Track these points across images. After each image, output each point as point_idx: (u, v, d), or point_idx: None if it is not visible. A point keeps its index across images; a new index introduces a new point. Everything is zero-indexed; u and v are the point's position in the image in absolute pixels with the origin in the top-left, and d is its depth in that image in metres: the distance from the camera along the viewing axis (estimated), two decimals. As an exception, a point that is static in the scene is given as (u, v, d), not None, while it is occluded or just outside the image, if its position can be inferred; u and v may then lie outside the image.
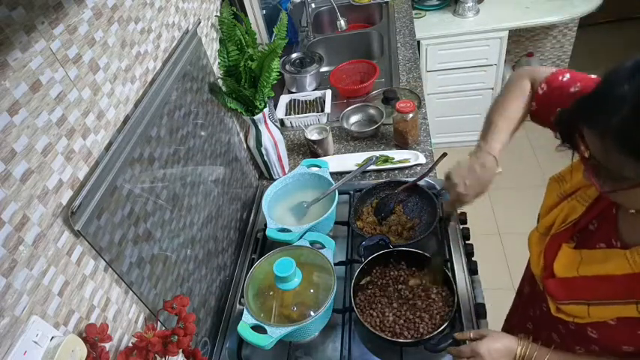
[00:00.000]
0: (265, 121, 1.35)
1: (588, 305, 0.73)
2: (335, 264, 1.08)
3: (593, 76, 0.81)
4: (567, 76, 0.83)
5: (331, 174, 1.31)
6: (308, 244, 1.11)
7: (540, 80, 0.87)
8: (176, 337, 0.76)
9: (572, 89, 0.81)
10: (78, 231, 0.66)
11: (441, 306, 1.01)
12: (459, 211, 1.24)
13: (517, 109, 0.90)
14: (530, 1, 2.42)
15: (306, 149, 1.59)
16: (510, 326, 1.17)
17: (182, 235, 0.99)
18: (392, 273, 1.11)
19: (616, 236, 0.73)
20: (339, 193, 1.26)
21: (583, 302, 0.74)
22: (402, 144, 1.49)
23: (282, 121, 1.71)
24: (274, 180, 1.33)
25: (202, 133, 1.13)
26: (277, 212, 1.28)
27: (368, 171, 1.44)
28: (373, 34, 2.20)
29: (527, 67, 0.94)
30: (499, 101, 0.93)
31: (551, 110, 0.82)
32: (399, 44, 2.08)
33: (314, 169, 1.32)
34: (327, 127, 1.50)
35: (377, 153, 1.48)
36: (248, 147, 1.45)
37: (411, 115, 1.40)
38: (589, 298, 0.73)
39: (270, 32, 1.73)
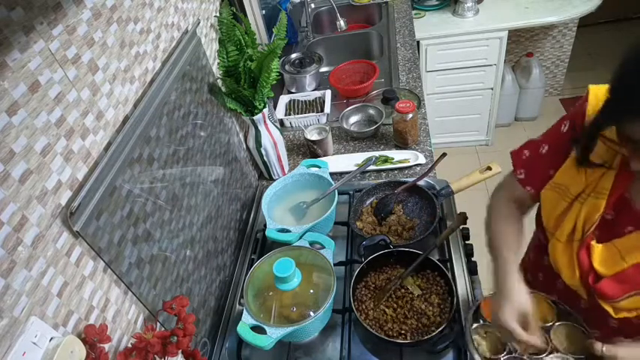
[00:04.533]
0: (265, 122, 1.35)
1: None
2: (335, 264, 1.08)
3: (536, 138, 0.89)
4: (525, 152, 0.90)
5: (331, 174, 1.31)
6: (308, 245, 1.11)
7: (508, 176, 0.93)
8: (175, 337, 0.76)
9: (542, 151, 0.87)
10: (77, 232, 0.66)
11: (440, 306, 1.01)
12: (458, 212, 1.24)
13: (514, 232, 0.91)
14: (530, 1, 2.42)
15: (305, 149, 1.59)
16: None
17: (181, 235, 0.99)
18: (392, 273, 1.11)
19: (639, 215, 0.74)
20: (339, 194, 1.26)
21: None
22: (402, 144, 1.49)
23: (281, 122, 1.71)
24: (274, 180, 1.33)
25: (202, 134, 1.13)
26: (277, 212, 1.28)
27: (368, 171, 1.44)
28: (373, 34, 2.20)
29: (494, 192, 0.98)
30: (496, 231, 0.91)
31: (545, 177, 0.86)
32: (398, 44, 2.08)
33: (314, 170, 1.32)
34: (327, 128, 1.50)
35: (377, 153, 1.48)
36: (247, 147, 1.45)
37: (410, 116, 1.40)
38: None
39: (269, 32, 1.73)
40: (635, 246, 0.73)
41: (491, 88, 2.51)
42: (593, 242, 0.77)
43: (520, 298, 0.80)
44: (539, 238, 0.96)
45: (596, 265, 0.76)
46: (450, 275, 1.04)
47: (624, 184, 0.74)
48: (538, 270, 1.00)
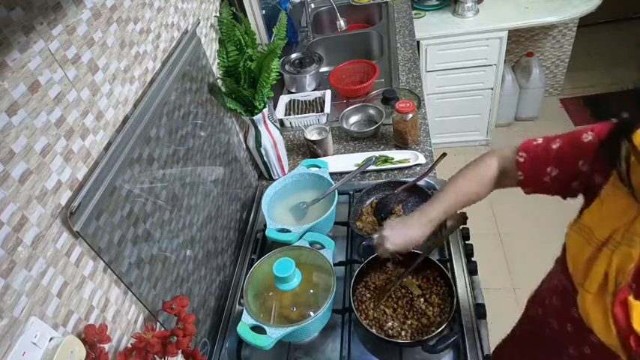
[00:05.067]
0: (265, 122, 1.35)
1: None
2: (334, 264, 1.08)
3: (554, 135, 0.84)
4: (539, 140, 0.86)
5: (331, 174, 1.31)
6: (307, 245, 1.11)
7: (512, 152, 0.88)
8: (175, 337, 0.76)
9: (553, 146, 0.82)
10: (77, 232, 0.66)
11: (440, 307, 1.01)
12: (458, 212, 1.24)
13: (470, 185, 0.93)
14: (530, 1, 2.42)
15: (305, 149, 1.59)
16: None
17: (181, 235, 0.99)
18: (392, 273, 1.11)
19: None
20: (339, 194, 1.26)
21: None
22: (402, 144, 1.49)
23: (281, 122, 1.71)
24: (274, 180, 1.33)
25: (202, 134, 1.13)
26: (277, 212, 1.28)
27: (368, 171, 1.44)
28: (373, 34, 2.20)
29: (488, 152, 0.96)
30: (459, 174, 0.96)
31: (541, 172, 0.83)
32: (398, 44, 2.08)
33: (313, 170, 1.32)
34: (327, 128, 1.50)
35: (376, 153, 1.48)
36: (247, 147, 1.45)
37: (410, 116, 1.40)
38: None
39: (269, 32, 1.73)
40: None
41: (491, 88, 2.51)
42: (631, 298, 0.67)
43: (419, 219, 0.95)
44: (564, 284, 0.84)
45: (637, 326, 0.66)
46: (450, 275, 1.04)
47: None
48: (566, 320, 0.88)
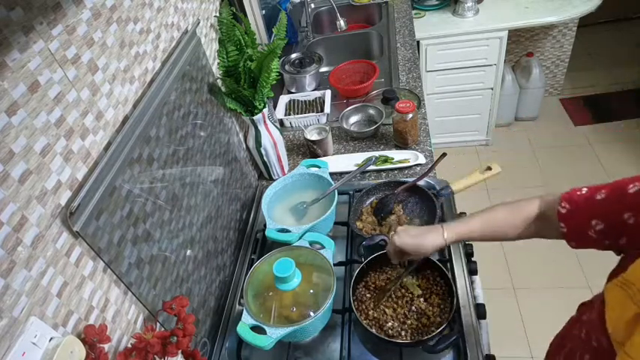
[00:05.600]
0: (265, 122, 1.35)
1: None
2: (334, 264, 1.08)
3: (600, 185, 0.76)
4: (583, 189, 0.78)
5: (331, 174, 1.31)
6: (307, 245, 1.11)
7: (555, 201, 0.80)
8: (175, 337, 0.76)
9: (597, 197, 0.74)
10: (77, 232, 0.66)
11: (440, 306, 1.01)
12: (458, 212, 1.24)
13: (501, 217, 0.87)
14: (530, 1, 2.42)
15: (305, 149, 1.59)
16: None
17: (181, 235, 0.99)
18: (392, 273, 1.11)
19: None
20: (339, 194, 1.26)
21: None
22: (402, 144, 1.49)
23: (281, 122, 1.71)
24: (274, 180, 1.33)
25: (202, 134, 1.13)
26: (277, 212, 1.28)
27: (367, 171, 1.44)
28: (373, 34, 2.20)
29: (542, 194, 0.87)
30: (496, 205, 0.90)
31: (585, 225, 0.75)
32: (398, 44, 2.08)
33: (313, 170, 1.32)
34: (327, 128, 1.50)
35: (376, 153, 1.48)
36: (247, 147, 1.45)
37: (410, 116, 1.40)
38: None
39: (269, 32, 1.73)
40: None
41: (491, 88, 2.51)
42: None
43: (436, 231, 0.92)
44: (601, 342, 0.75)
45: None
46: (450, 275, 1.04)
47: None
48: None
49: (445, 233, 0.91)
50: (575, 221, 0.77)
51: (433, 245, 0.92)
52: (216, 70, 1.28)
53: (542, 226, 0.83)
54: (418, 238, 0.93)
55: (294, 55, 1.94)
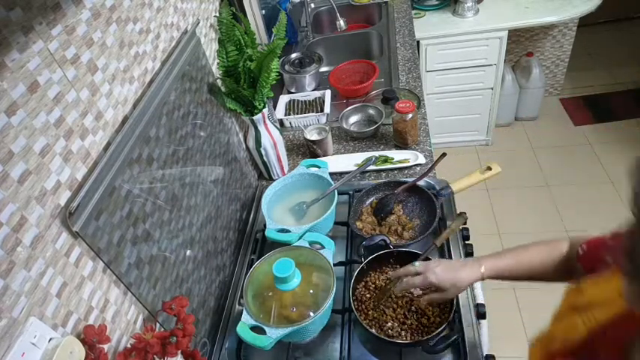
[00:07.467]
0: (264, 122, 1.35)
1: None
2: (334, 264, 1.08)
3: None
4: (607, 239, 0.77)
5: (331, 174, 1.31)
6: (307, 245, 1.10)
7: (579, 242, 0.81)
8: (175, 338, 0.76)
9: (609, 242, 0.76)
10: (76, 232, 0.66)
11: (440, 306, 1.01)
12: (458, 212, 1.24)
13: (535, 257, 0.87)
14: (530, 1, 2.41)
15: (305, 149, 1.59)
16: None
17: (181, 235, 0.98)
18: (392, 273, 1.10)
19: None
20: (339, 194, 1.26)
21: None
22: (402, 144, 1.49)
23: (281, 122, 1.71)
24: (273, 180, 1.33)
25: (201, 134, 1.13)
26: (277, 213, 1.28)
27: (367, 171, 1.44)
28: (372, 34, 2.20)
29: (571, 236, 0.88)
30: (529, 244, 0.90)
31: (600, 265, 0.75)
32: (398, 44, 2.08)
33: (313, 170, 1.32)
34: (327, 128, 1.50)
35: (376, 153, 1.47)
36: (247, 147, 1.45)
37: (410, 116, 1.40)
38: None
39: (269, 32, 1.73)
40: None
41: (491, 88, 2.51)
42: None
43: (472, 265, 0.89)
44: None
45: None
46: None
47: (622, 330, 0.60)
48: None
49: (482, 267, 0.89)
50: (591, 262, 0.77)
51: (469, 280, 0.90)
52: (215, 70, 1.28)
53: (567, 269, 0.84)
54: (455, 272, 0.90)
55: (293, 55, 1.94)
